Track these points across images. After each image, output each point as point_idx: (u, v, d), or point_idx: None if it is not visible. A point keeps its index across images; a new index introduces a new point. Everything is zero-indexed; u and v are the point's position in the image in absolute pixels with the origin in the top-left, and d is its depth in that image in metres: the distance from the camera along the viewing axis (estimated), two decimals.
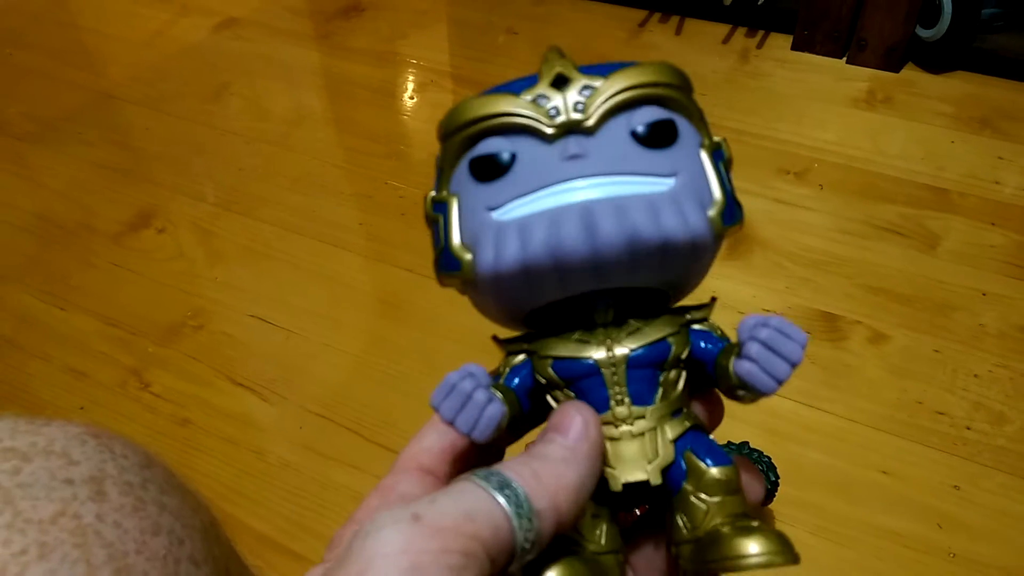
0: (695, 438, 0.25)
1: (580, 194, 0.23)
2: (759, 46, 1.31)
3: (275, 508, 0.75)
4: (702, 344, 0.26)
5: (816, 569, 0.69)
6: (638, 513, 0.26)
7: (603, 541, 0.24)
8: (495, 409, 0.23)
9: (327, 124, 1.26)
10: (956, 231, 0.98)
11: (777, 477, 0.71)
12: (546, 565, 0.22)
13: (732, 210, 0.25)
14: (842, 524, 0.72)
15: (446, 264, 0.25)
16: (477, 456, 0.27)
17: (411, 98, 1.29)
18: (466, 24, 1.44)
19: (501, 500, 0.20)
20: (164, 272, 1.00)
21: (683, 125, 0.24)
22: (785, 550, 0.22)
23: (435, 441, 0.27)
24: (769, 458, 0.72)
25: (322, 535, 0.73)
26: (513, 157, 0.23)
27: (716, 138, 0.26)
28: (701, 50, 1.32)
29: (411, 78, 1.33)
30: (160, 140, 1.22)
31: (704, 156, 0.25)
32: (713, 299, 0.27)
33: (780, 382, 0.23)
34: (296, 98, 1.29)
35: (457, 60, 1.36)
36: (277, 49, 1.40)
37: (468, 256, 0.24)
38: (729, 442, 0.72)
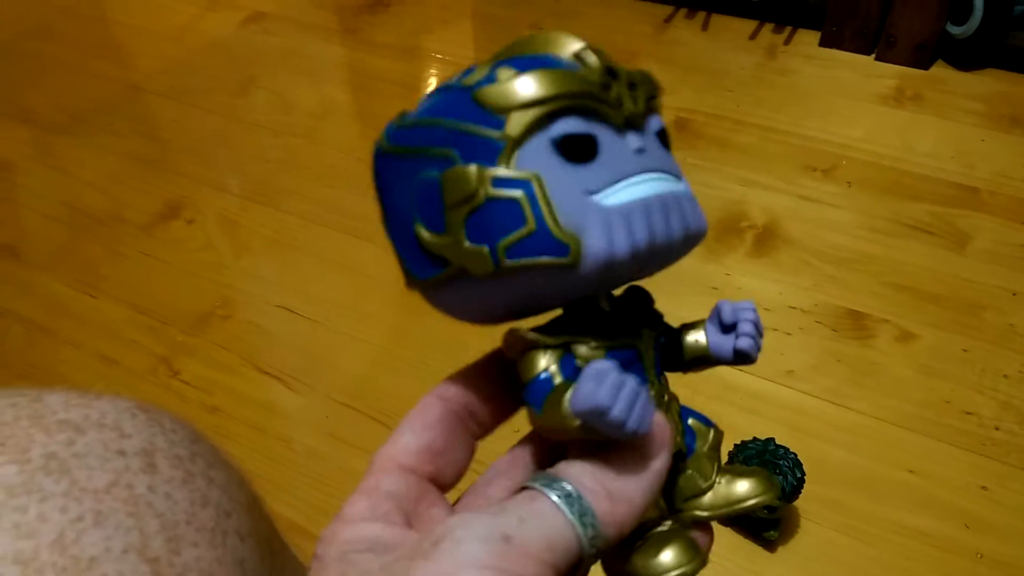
0: (684, 408, 0.28)
1: (654, 186, 0.24)
2: (787, 42, 1.30)
3: (301, 495, 0.76)
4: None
5: (841, 567, 0.69)
6: None
7: (662, 503, 0.27)
8: (651, 404, 0.23)
9: (352, 118, 1.27)
10: (986, 230, 0.97)
11: (803, 474, 0.71)
12: (657, 548, 0.25)
13: None
14: (868, 522, 0.71)
15: (538, 248, 0.22)
16: (453, 451, 0.27)
17: None
18: (491, 19, 1.45)
19: (580, 530, 0.22)
20: (193, 262, 1.01)
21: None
22: (772, 485, 0.27)
23: (411, 440, 0.26)
24: (795, 455, 0.71)
25: None
26: (596, 143, 0.23)
27: None
28: (728, 46, 1.31)
29: (435, 73, 1.33)
30: (188, 132, 1.23)
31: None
32: (647, 291, 0.30)
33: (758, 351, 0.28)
34: (321, 92, 1.30)
35: (482, 55, 1.36)
36: (303, 43, 1.41)
37: (576, 240, 0.22)
38: (755, 438, 0.71)
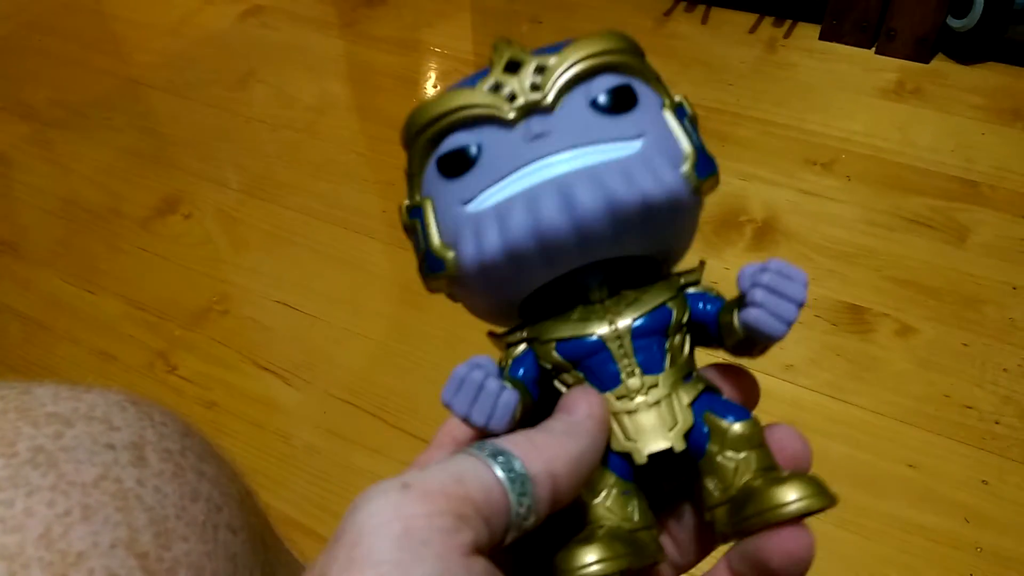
0: (711, 399, 0.24)
1: (551, 170, 0.23)
2: (786, 36, 1.30)
3: (299, 490, 0.76)
4: (700, 305, 0.26)
5: (841, 562, 0.69)
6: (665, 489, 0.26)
7: (636, 518, 0.24)
8: (509, 397, 0.23)
9: (351, 112, 1.26)
10: (986, 224, 0.97)
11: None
12: (581, 544, 0.22)
13: (705, 162, 0.24)
14: (868, 517, 0.71)
15: (431, 266, 0.25)
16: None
17: (434, 86, 1.29)
18: (490, 12, 1.44)
19: (492, 465, 0.21)
20: (191, 257, 1.01)
21: (641, 89, 0.25)
22: (822, 492, 0.22)
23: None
24: None
25: None
26: (479, 148, 0.23)
27: (676, 97, 0.26)
28: (728, 40, 1.30)
29: (434, 66, 1.33)
30: (186, 127, 1.23)
31: (668, 115, 0.25)
32: (702, 262, 0.27)
33: (789, 323, 0.23)
34: (320, 86, 1.29)
35: (481, 48, 1.36)
36: (302, 37, 1.40)
37: (450, 253, 0.24)
38: None
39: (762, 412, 0.78)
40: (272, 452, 0.79)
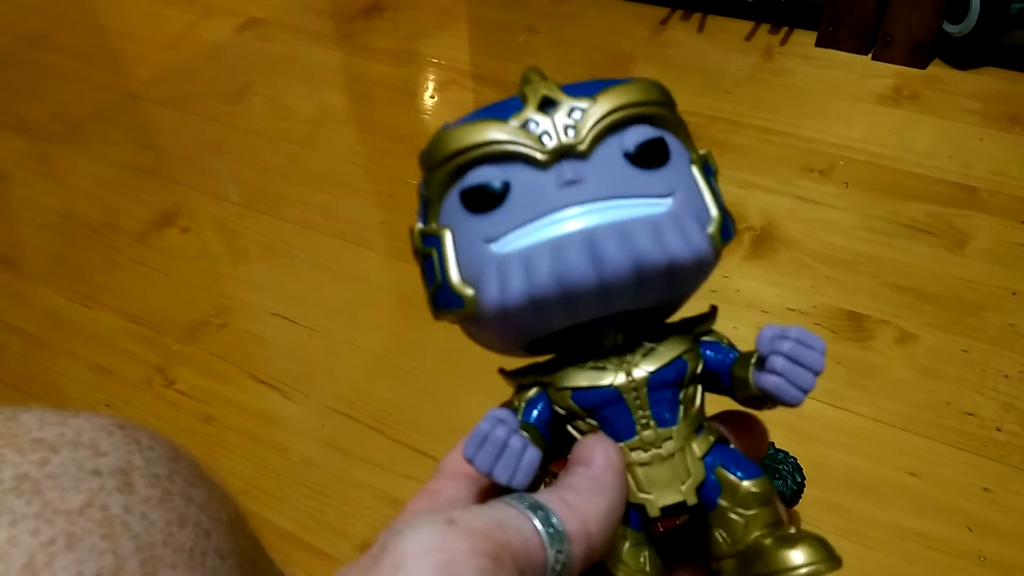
0: (722, 452, 0.25)
1: (581, 221, 0.22)
2: (783, 43, 1.30)
3: (298, 505, 0.75)
4: (712, 355, 0.26)
5: (842, 572, 0.68)
6: (677, 522, 0.26)
7: (647, 568, 0.24)
8: (532, 455, 0.23)
9: (349, 123, 1.26)
10: (985, 230, 0.97)
11: (803, 479, 0.70)
12: None
13: (728, 226, 0.25)
14: (869, 526, 0.71)
15: (444, 301, 0.24)
16: None
17: (432, 97, 1.29)
18: (487, 23, 1.44)
19: (532, 517, 0.21)
20: (188, 271, 1.01)
21: (672, 142, 0.25)
22: (829, 557, 0.22)
23: None
24: (795, 459, 0.71)
25: (344, 532, 0.73)
26: (507, 186, 0.23)
27: (701, 151, 0.26)
28: (724, 47, 1.31)
29: (432, 77, 1.33)
30: (184, 140, 1.23)
31: (695, 172, 0.25)
32: (714, 308, 0.27)
33: (806, 392, 0.24)
34: (318, 98, 1.30)
35: (478, 59, 1.36)
36: (299, 49, 1.40)
37: (470, 292, 0.23)
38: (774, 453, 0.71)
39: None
40: (270, 466, 0.79)
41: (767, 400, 0.25)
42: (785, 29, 1.32)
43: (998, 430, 0.77)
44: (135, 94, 1.33)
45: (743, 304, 0.89)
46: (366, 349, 0.89)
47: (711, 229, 0.24)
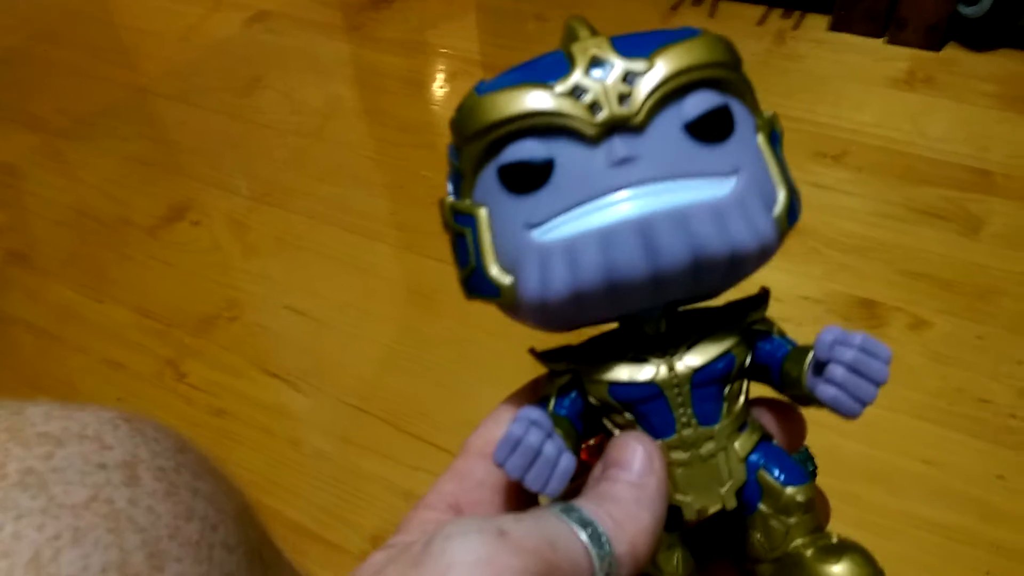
0: (766, 452, 0.23)
1: (634, 205, 0.20)
2: (795, 27, 1.29)
3: (309, 497, 0.76)
4: (763, 347, 0.24)
5: None
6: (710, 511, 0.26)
7: (680, 570, 0.23)
8: (567, 463, 0.22)
9: (358, 115, 1.26)
10: (1000, 214, 0.95)
11: (815, 467, 0.70)
12: None
13: (795, 206, 0.23)
14: (883, 515, 0.70)
15: (479, 287, 0.22)
16: None
17: (441, 88, 1.29)
18: (495, 12, 1.43)
19: (583, 536, 0.20)
20: (199, 264, 1.01)
21: (737, 109, 0.22)
22: (871, 569, 0.21)
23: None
24: (807, 448, 0.70)
25: (356, 524, 0.73)
26: (551, 163, 0.21)
27: (767, 114, 0.23)
28: (736, 32, 1.29)
29: (441, 67, 1.33)
30: (194, 134, 1.23)
31: (761, 142, 0.22)
32: (765, 291, 0.25)
33: (866, 404, 0.22)
34: (327, 90, 1.30)
35: (487, 48, 1.35)
36: (308, 41, 1.40)
37: (508, 281, 0.22)
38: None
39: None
40: (282, 459, 0.79)
41: (821, 405, 0.23)
42: (798, 13, 1.31)
43: (1013, 417, 0.76)
44: (145, 89, 1.34)
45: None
46: (377, 341, 0.89)
47: (777, 211, 0.22)
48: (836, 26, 1.27)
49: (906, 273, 0.90)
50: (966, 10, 1.16)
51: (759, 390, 0.26)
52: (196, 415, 0.83)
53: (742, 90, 0.23)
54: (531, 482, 0.21)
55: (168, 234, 1.06)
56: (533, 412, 0.22)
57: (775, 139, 0.23)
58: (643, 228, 0.20)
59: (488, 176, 0.22)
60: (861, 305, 0.87)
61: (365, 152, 1.17)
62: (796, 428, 0.26)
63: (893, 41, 1.22)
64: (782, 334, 0.24)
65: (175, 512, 0.26)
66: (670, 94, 0.21)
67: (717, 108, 0.21)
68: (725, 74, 0.22)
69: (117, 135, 1.24)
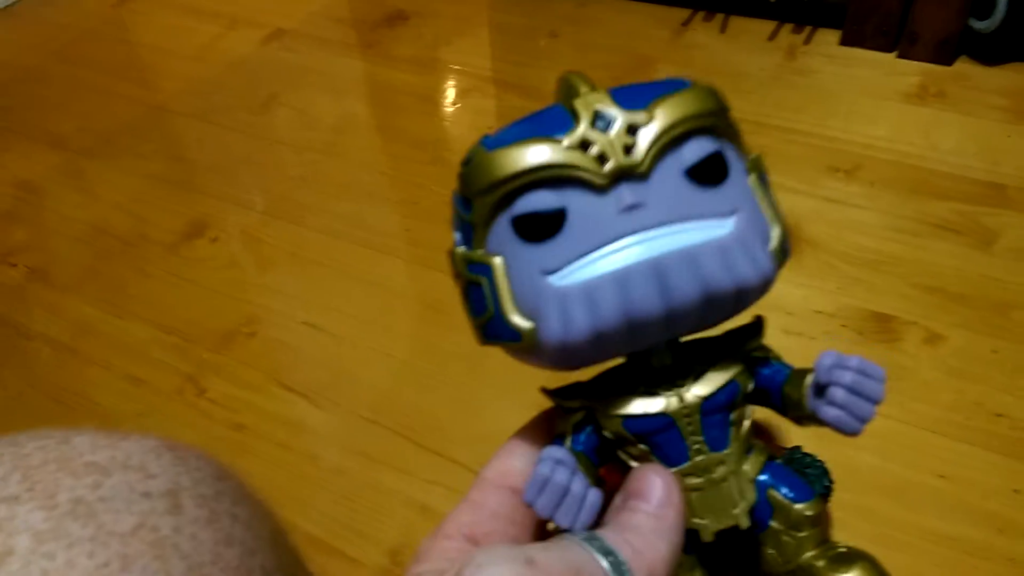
0: (773, 472, 0.25)
1: (646, 248, 0.22)
2: (806, 42, 1.29)
3: (327, 511, 0.76)
4: (764, 373, 0.26)
5: None
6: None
7: None
8: (594, 498, 0.23)
9: (372, 132, 1.27)
10: (1014, 228, 0.95)
11: (831, 482, 0.70)
12: None
13: (787, 241, 0.24)
14: (898, 529, 0.70)
15: (497, 333, 0.23)
16: None
17: (454, 104, 1.30)
18: (508, 29, 1.45)
19: (604, 564, 0.21)
20: (218, 280, 1.02)
21: (730, 154, 0.24)
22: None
23: (526, 463, 0.26)
24: (822, 462, 0.70)
25: (373, 538, 0.74)
26: (563, 212, 0.22)
27: (752, 156, 0.25)
28: (747, 48, 1.30)
29: (454, 84, 1.34)
30: (211, 151, 1.25)
31: (753, 183, 0.24)
32: (760, 319, 0.26)
33: (866, 422, 0.24)
34: (342, 107, 1.31)
35: (499, 65, 1.37)
36: (323, 59, 1.42)
37: (528, 326, 0.22)
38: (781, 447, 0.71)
39: (789, 425, 0.76)
40: (300, 473, 0.80)
41: (820, 424, 0.25)
42: (809, 28, 1.31)
43: None
44: (163, 107, 1.35)
45: (768, 306, 0.88)
46: (392, 356, 0.90)
47: (773, 245, 0.24)
48: (847, 41, 1.27)
49: (920, 287, 0.90)
50: (977, 24, 1.16)
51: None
52: (216, 430, 0.84)
53: (732, 135, 0.24)
54: (561, 519, 0.22)
55: (187, 251, 1.07)
56: (557, 452, 0.23)
57: (763, 179, 0.24)
58: (656, 269, 0.21)
59: (502, 226, 0.23)
60: (875, 319, 0.87)
61: (379, 168, 1.18)
62: (774, 433, 0.28)
63: (904, 55, 1.23)
64: (779, 359, 0.26)
65: (216, 539, 0.27)
66: (670, 143, 0.22)
67: (713, 154, 0.23)
68: (717, 121, 0.23)
69: (136, 153, 1.25)
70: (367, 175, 1.16)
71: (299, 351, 0.92)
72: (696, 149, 0.23)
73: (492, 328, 0.23)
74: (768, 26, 1.33)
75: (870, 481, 0.73)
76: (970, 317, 0.86)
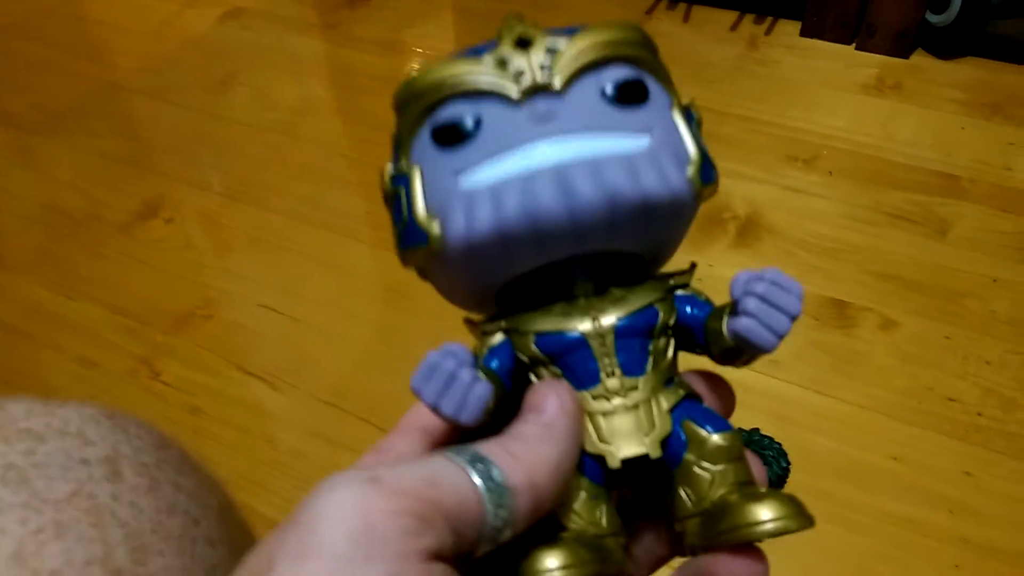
0: (691, 407, 0.24)
1: (553, 153, 0.22)
2: (767, 32, 1.30)
3: (286, 495, 0.75)
4: (688, 310, 0.25)
5: (828, 556, 0.69)
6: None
7: (604, 523, 0.23)
8: (482, 389, 0.22)
9: (333, 113, 1.26)
10: (966, 218, 0.98)
11: (788, 464, 0.71)
12: (545, 548, 0.21)
13: (709, 169, 0.24)
14: (854, 511, 0.72)
15: (410, 238, 0.23)
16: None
17: None
18: (472, 12, 1.44)
19: (470, 472, 0.20)
20: (173, 262, 1.00)
21: (652, 85, 0.24)
22: (799, 514, 0.21)
23: None
24: (780, 445, 0.72)
25: None
26: (479, 122, 0.22)
27: (685, 100, 0.25)
28: (709, 37, 1.31)
29: (417, 67, 1.33)
30: (167, 130, 1.22)
31: (676, 116, 0.24)
32: (693, 265, 0.26)
33: (780, 336, 0.23)
34: (302, 88, 1.29)
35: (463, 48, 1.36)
36: (283, 39, 1.39)
37: (436, 226, 0.22)
38: (740, 428, 0.72)
39: (746, 407, 0.77)
40: (258, 457, 0.79)
41: (742, 350, 0.23)
42: (770, 19, 1.33)
43: (979, 415, 0.78)
44: (118, 85, 1.32)
45: (727, 291, 0.90)
46: (354, 340, 0.89)
47: (690, 170, 0.23)
48: (807, 32, 1.29)
49: (876, 275, 0.92)
50: (934, 18, 1.19)
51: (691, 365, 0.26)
52: (172, 413, 0.83)
53: (658, 73, 0.24)
54: (446, 406, 0.22)
55: (141, 231, 1.05)
56: (453, 345, 0.23)
57: (691, 118, 0.24)
58: (560, 173, 0.22)
59: (423, 138, 0.23)
60: (832, 305, 0.88)
61: (340, 150, 1.16)
62: (724, 395, 0.26)
63: (862, 47, 1.25)
64: (707, 299, 0.25)
65: (157, 507, 0.26)
66: (588, 65, 0.23)
67: (631, 80, 0.23)
68: (641, 53, 0.24)
69: (89, 131, 1.22)
70: (327, 157, 1.15)
71: (258, 334, 0.91)
72: (615, 73, 0.23)
73: (407, 235, 0.23)
74: (730, 16, 1.34)
75: (826, 464, 0.75)
76: (924, 304, 0.88)
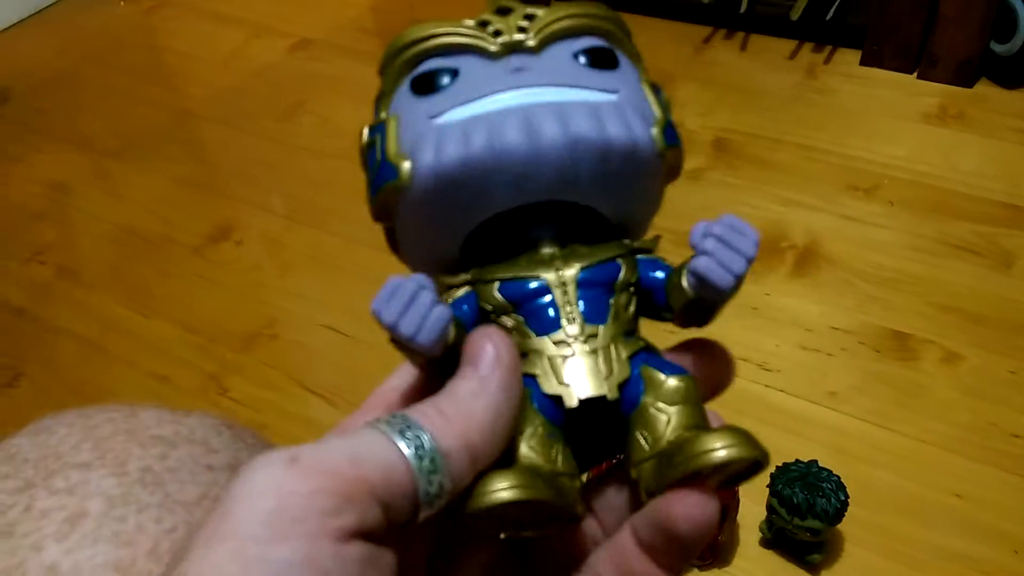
0: (650, 356, 0.24)
1: (523, 97, 0.23)
2: (826, 61, 1.30)
3: None
4: (651, 272, 0.25)
5: None
6: (604, 468, 0.25)
7: (559, 463, 0.23)
8: (442, 312, 0.22)
9: None
10: None
11: (847, 497, 0.70)
12: (497, 471, 0.21)
13: (672, 132, 0.25)
14: (913, 547, 0.71)
15: (382, 176, 0.24)
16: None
17: None
18: None
19: (399, 442, 0.19)
20: (241, 282, 1.04)
21: (623, 58, 0.25)
22: (751, 443, 0.21)
23: (404, 379, 0.25)
24: (838, 478, 0.71)
25: None
26: (456, 72, 0.24)
27: (655, 82, 0.26)
28: (767, 66, 1.31)
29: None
30: (236, 156, 1.27)
31: (644, 86, 0.25)
32: (658, 236, 0.26)
33: (737, 277, 0.23)
34: (366, 115, 1.32)
35: None
36: (348, 69, 1.44)
37: (406, 162, 0.23)
38: (797, 460, 0.71)
39: (805, 439, 0.77)
40: None
41: (702, 301, 0.23)
42: (829, 48, 1.32)
43: None
44: (190, 112, 1.38)
45: (786, 322, 0.90)
46: None
47: (654, 129, 0.24)
48: (867, 61, 1.28)
49: (938, 306, 0.90)
50: (998, 47, 1.17)
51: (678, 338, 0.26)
52: None
53: (629, 51, 0.26)
54: (404, 327, 0.21)
55: (212, 253, 1.09)
56: (420, 276, 0.23)
57: (657, 91, 0.26)
58: (526, 114, 0.23)
59: (402, 90, 0.25)
60: (893, 337, 0.87)
61: None
62: (719, 361, 0.25)
63: (924, 77, 1.24)
64: (669, 263, 0.25)
65: None
66: (564, 31, 0.24)
67: (602, 47, 0.25)
68: (614, 29, 0.25)
69: (163, 156, 1.27)
70: None
71: (319, 353, 0.93)
72: (588, 42, 0.25)
73: (379, 175, 0.24)
74: (788, 45, 1.34)
75: (886, 498, 0.74)
76: (988, 337, 0.86)
